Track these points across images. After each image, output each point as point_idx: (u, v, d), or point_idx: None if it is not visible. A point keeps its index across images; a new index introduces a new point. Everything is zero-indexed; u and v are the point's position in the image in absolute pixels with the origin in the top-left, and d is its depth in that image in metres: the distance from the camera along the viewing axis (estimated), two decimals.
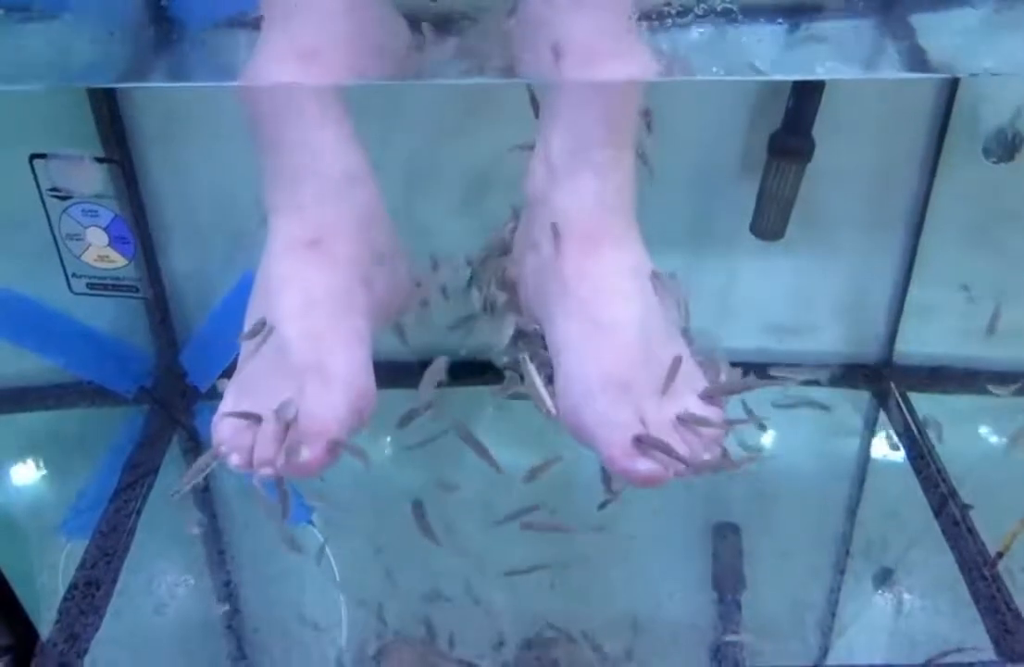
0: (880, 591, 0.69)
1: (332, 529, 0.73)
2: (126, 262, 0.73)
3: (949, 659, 0.60)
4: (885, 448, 0.82)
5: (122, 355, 0.83)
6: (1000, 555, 0.67)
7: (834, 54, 0.52)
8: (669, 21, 0.45)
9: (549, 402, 0.54)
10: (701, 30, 0.47)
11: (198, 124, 0.72)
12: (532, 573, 0.66)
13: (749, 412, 0.59)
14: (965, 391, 0.85)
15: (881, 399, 0.86)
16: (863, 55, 0.55)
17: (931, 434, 0.81)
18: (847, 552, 0.73)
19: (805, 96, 0.71)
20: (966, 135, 0.74)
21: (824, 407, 0.73)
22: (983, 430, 0.84)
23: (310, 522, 0.73)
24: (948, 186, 0.77)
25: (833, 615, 0.68)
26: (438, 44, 0.50)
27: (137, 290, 0.74)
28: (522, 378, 0.56)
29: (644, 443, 0.49)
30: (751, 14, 0.47)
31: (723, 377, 0.55)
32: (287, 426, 0.50)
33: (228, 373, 0.56)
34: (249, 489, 0.53)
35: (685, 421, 0.51)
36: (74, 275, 0.73)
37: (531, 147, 0.56)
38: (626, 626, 0.65)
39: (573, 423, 0.52)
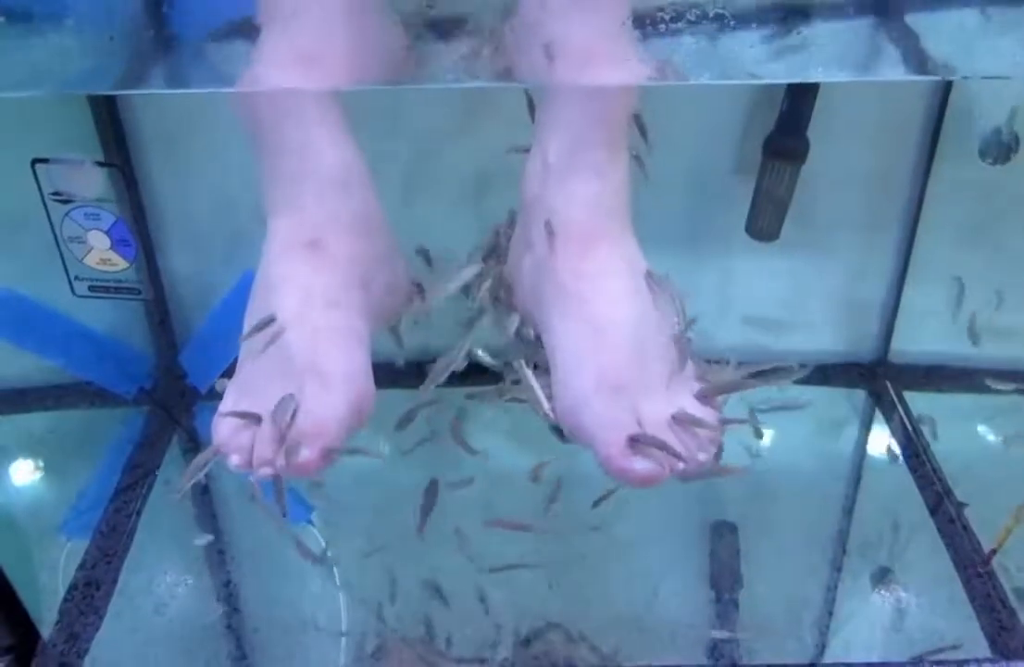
0: (876, 589, 0.70)
1: (332, 529, 0.73)
2: (127, 265, 0.73)
3: (943, 656, 0.61)
4: (881, 447, 0.82)
5: (122, 356, 0.83)
6: (994, 552, 0.67)
7: (828, 57, 0.52)
8: (663, 27, 0.46)
9: (546, 405, 0.54)
10: (695, 34, 0.47)
11: (197, 127, 0.73)
12: (532, 571, 0.66)
13: (751, 412, 0.59)
14: (960, 390, 0.85)
15: (877, 398, 0.86)
16: (857, 58, 0.55)
17: (926, 432, 0.81)
18: (843, 550, 0.73)
19: (799, 98, 0.71)
20: (960, 136, 0.75)
21: (800, 406, 0.73)
22: (978, 428, 0.84)
23: (310, 522, 0.73)
24: (942, 186, 0.77)
25: (830, 613, 0.68)
26: (434, 48, 0.50)
27: (139, 292, 0.74)
28: (518, 381, 0.56)
29: (640, 442, 0.49)
30: (744, 18, 0.48)
31: (718, 377, 0.55)
32: (286, 426, 0.50)
33: (227, 374, 0.57)
34: (248, 489, 0.54)
35: (681, 421, 0.51)
36: (77, 278, 0.74)
37: (528, 149, 0.56)
38: (624, 625, 0.65)
39: (570, 423, 0.53)
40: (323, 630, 0.67)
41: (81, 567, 0.69)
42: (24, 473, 0.81)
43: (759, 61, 0.51)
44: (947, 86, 0.72)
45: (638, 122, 0.53)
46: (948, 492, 0.75)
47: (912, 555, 0.71)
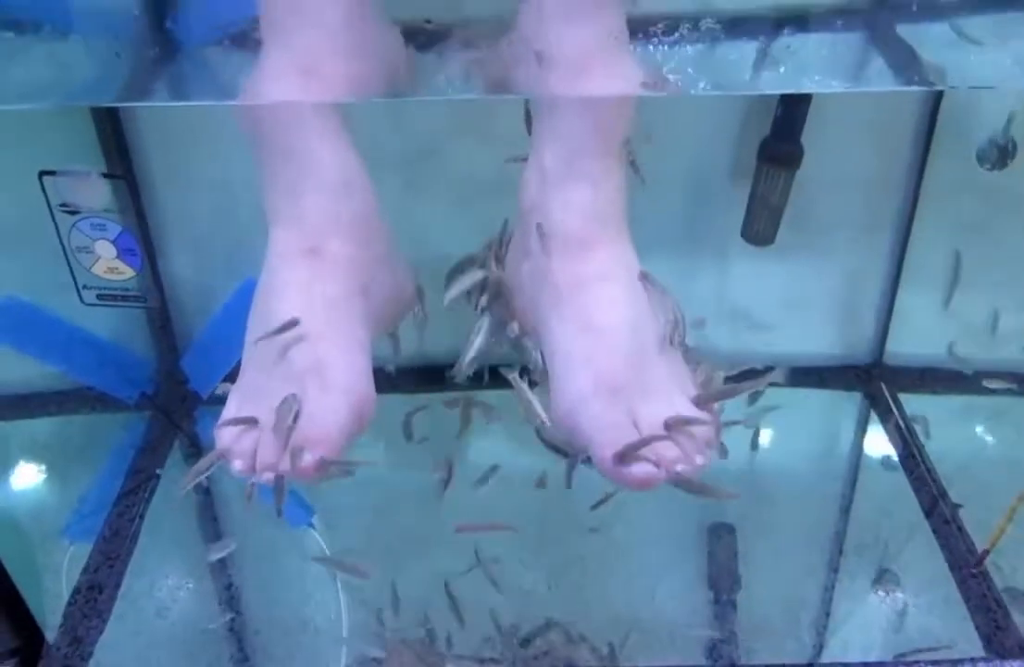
0: (873, 589, 0.70)
1: (332, 531, 0.74)
2: (134, 273, 0.74)
3: (939, 655, 0.61)
4: (877, 449, 0.83)
5: (124, 362, 0.83)
6: (987, 552, 0.68)
7: (819, 68, 0.52)
8: (656, 39, 0.46)
9: (543, 414, 0.54)
10: (689, 46, 0.48)
11: (199, 136, 0.73)
12: (532, 572, 0.67)
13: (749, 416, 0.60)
14: (954, 391, 0.85)
15: (872, 400, 0.86)
16: (848, 68, 0.55)
17: (920, 432, 0.82)
18: (840, 551, 0.74)
19: (793, 104, 0.72)
20: (953, 140, 0.75)
21: (775, 408, 0.73)
22: (972, 430, 0.85)
23: (310, 525, 0.74)
24: (936, 190, 0.78)
25: (827, 614, 0.68)
26: (433, 59, 0.51)
27: (145, 300, 0.75)
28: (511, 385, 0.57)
29: (637, 447, 0.49)
30: (737, 29, 0.48)
31: (713, 380, 0.56)
32: (289, 431, 0.51)
33: (228, 379, 0.57)
34: (247, 491, 0.54)
35: (677, 424, 0.52)
36: (85, 287, 0.74)
37: (526, 158, 0.57)
38: (623, 625, 0.66)
39: (568, 426, 0.53)
40: (324, 632, 0.67)
41: (84, 571, 0.69)
42: (27, 477, 0.81)
43: (752, 71, 0.51)
44: (939, 92, 0.73)
45: (628, 148, 0.54)
46: (943, 493, 0.75)
47: (908, 556, 0.72)
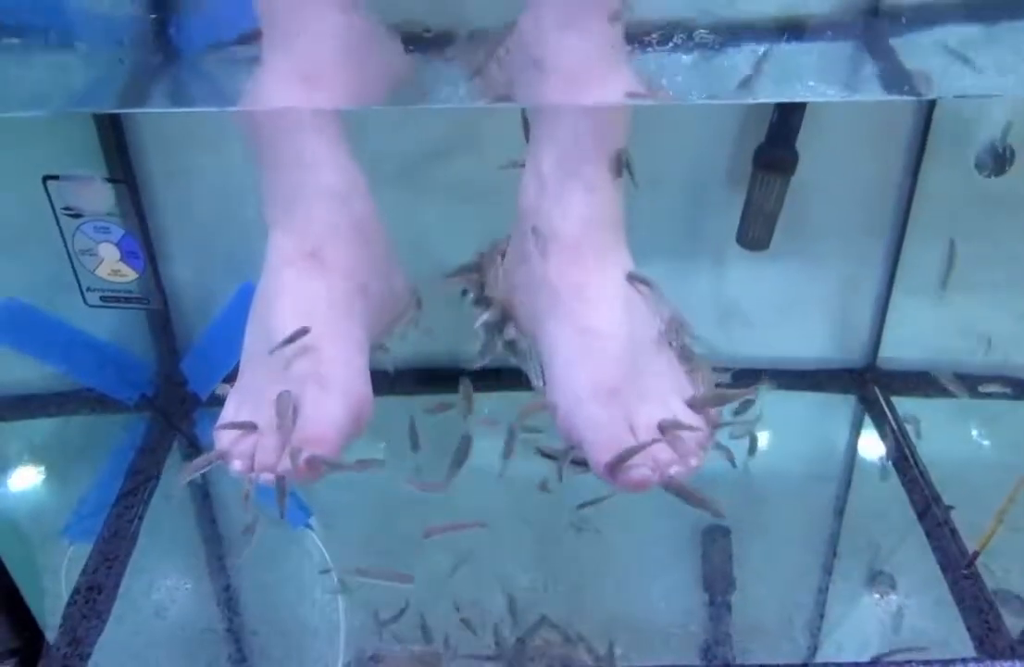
0: (867, 591, 0.70)
1: (330, 532, 0.74)
2: (137, 275, 0.74)
3: (930, 656, 0.61)
4: (871, 451, 0.83)
5: (123, 363, 0.84)
6: (977, 554, 0.68)
7: (813, 76, 0.53)
8: (650, 49, 0.47)
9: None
10: (684, 55, 0.48)
11: (199, 141, 0.73)
12: (528, 573, 0.67)
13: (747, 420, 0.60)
14: (947, 395, 0.86)
15: (866, 403, 0.87)
16: (841, 77, 0.56)
17: (912, 435, 0.82)
18: (834, 553, 0.74)
19: (788, 110, 0.72)
20: (947, 146, 0.75)
21: (767, 413, 0.74)
22: (965, 433, 0.85)
23: (308, 526, 0.74)
24: (930, 196, 0.78)
25: (821, 615, 0.69)
26: (433, 66, 0.51)
27: (148, 302, 0.76)
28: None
29: (633, 452, 0.50)
30: (732, 37, 0.49)
31: (709, 382, 0.56)
32: (287, 432, 0.51)
33: (227, 381, 0.57)
34: (245, 492, 0.54)
35: (671, 427, 0.52)
36: (89, 289, 0.75)
37: (522, 164, 0.57)
38: (618, 626, 0.66)
39: (564, 428, 0.53)
40: (321, 633, 0.67)
41: (84, 571, 0.69)
42: (27, 478, 0.81)
43: (746, 79, 0.52)
44: (932, 100, 0.73)
45: (624, 156, 0.54)
46: (936, 496, 0.76)
47: (901, 558, 0.72)
